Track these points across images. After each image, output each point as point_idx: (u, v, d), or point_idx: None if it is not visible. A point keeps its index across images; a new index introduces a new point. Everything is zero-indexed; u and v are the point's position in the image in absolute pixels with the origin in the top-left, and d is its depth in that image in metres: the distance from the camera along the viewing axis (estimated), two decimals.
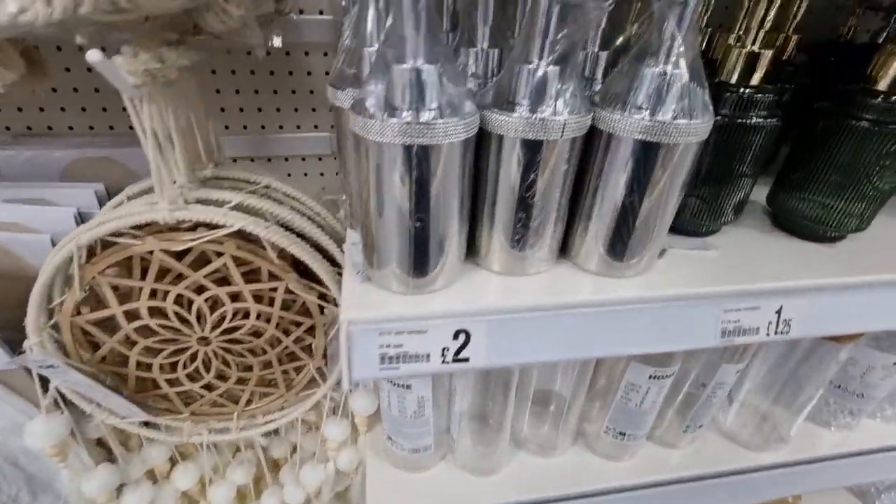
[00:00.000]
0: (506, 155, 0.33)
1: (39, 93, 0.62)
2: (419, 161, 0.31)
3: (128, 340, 0.46)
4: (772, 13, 0.37)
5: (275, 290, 0.46)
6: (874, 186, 0.41)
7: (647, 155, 0.33)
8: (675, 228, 0.46)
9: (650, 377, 0.48)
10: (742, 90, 0.39)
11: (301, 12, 0.63)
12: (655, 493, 0.57)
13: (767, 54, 0.38)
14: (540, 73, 0.31)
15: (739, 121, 0.39)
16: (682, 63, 0.32)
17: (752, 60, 0.38)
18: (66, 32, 0.32)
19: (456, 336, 0.34)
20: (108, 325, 0.46)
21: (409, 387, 0.46)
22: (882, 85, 0.39)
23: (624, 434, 0.54)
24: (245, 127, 0.68)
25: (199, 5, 0.35)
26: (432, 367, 0.34)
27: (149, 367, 0.48)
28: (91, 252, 0.42)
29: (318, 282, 0.47)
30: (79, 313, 0.44)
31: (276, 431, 0.63)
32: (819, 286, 0.39)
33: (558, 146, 0.33)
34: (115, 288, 0.44)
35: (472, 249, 0.39)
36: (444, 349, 0.34)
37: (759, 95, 0.39)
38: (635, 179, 0.34)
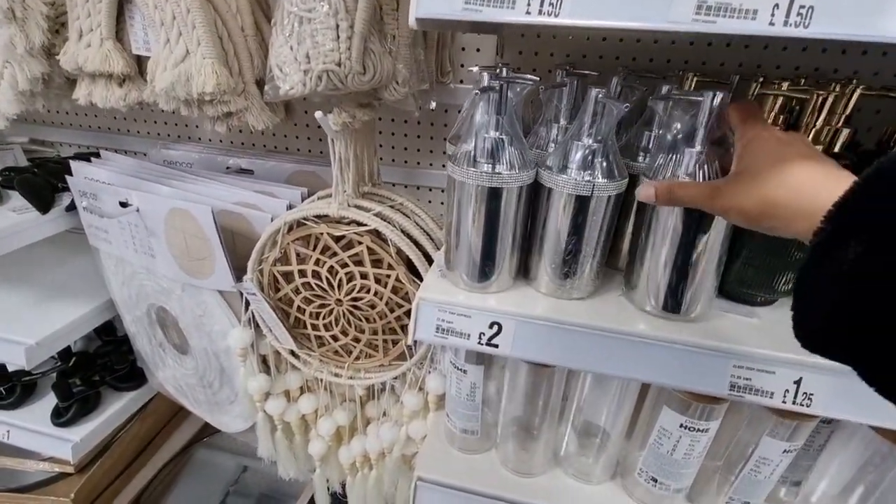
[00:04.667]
0: (553, 203, 0.45)
1: (283, 125, 0.95)
2: (486, 199, 0.45)
3: (296, 290, 0.69)
4: (824, 112, 0.42)
5: (389, 276, 0.64)
6: None
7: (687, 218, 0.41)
8: (729, 294, 0.51)
9: (681, 426, 0.52)
10: None
11: (461, 82, 0.84)
12: None
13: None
14: (585, 147, 0.43)
15: None
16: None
17: None
18: (308, 98, 0.56)
19: (491, 326, 0.46)
20: (288, 278, 0.69)
21: (465, 371, 0.59)
22: None
23: (656, 481, 0.57)
24: (393, 160, 0.92)
25: (380, 85, 0.56)
26: (471, 345, 0.47)
27: (303, 311, 0.71)
28: (290, 228, 0.66)
29: (420, 278, 0.63)
30: (275, 265, 0.68)
31: (372, 395, 0.81)
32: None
33: (593, 202, 0.43)
34: (297, 254, 0.67)
35: (527, 273, 0.51)
36: (481, 333, 0.47)
37: None
38: (681, 239, 0.42)
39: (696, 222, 0.41)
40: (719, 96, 0.38)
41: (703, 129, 0.39)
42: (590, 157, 0.42)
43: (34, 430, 0.95)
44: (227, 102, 0.55)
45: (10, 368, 1.00)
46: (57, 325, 0.86)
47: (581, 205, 0.43)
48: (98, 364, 1.05)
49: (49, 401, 0.98)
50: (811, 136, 0.44)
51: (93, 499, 1.05)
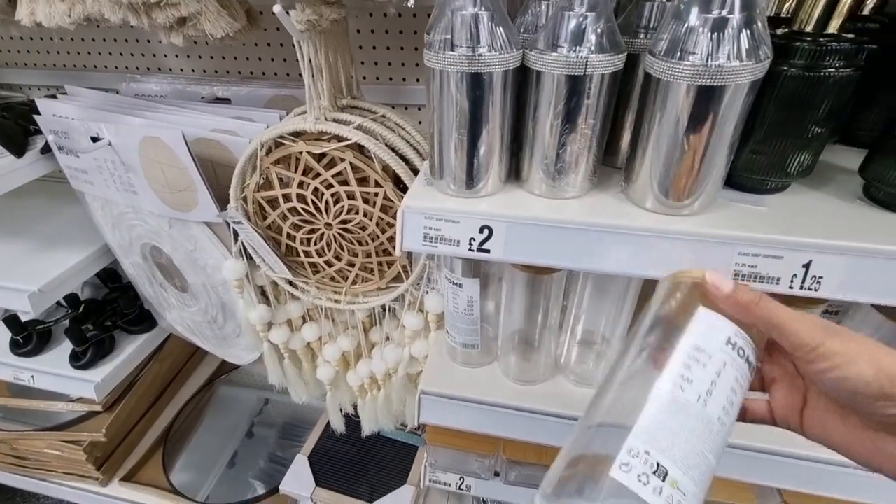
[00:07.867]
0: (544, 88, 0.41)
1: (256, 49, 0.88)
2: (468, 87, 0.40)
3: (283, 216, 0.67)
4: None
5: (377, 194, 0.61)
6: None
7: (699, 98, 0.36)
8: (736, 183, 0.47)
9: None
10: (814, 38, 0.38)
11: None
12: None
13: (845, 2, 0.36)
14: (576, 17, 0.38)
15: (808, 73, 0.39)
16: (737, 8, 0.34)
17: (828, 8, 0.37)
18: None
19: (482, 230, 0.44)
20: (273, 204, 0.67)
21: (461, 286, 0.58)
22: None
23: None
24: (377, 78, 0.85)
25: None
26: (461, 252, 0.45)
27: (294, 238, 0.69)
28: (268, 150, 0.62)
29: None
30: (258, 191, 0.65)
31: (374, 321, 0.81)
32: (864, 249, 0.37)
33: (586, 82, 0.39)
34: (279, 178, 0.64)
35: (518, 175, 0.48)
36: (471, 239, 0.44)
37: (833, 44, 0.37)
38: (689, 123, 0.37)
39: (705, 104, 0.36)
40: None
41: None
42: (582, 29, 0.37)
43: (56, 373, 0.98)
44: (177, 5, 0.49)
45: (23, 318, 1.02)
46: (57, 271, 0.86)
47: (574, 86, 0.38)
48: (108, 310, 1.06)
49: (66, 347, 1.01)
50: None
51: (124, 434, 1.12)
